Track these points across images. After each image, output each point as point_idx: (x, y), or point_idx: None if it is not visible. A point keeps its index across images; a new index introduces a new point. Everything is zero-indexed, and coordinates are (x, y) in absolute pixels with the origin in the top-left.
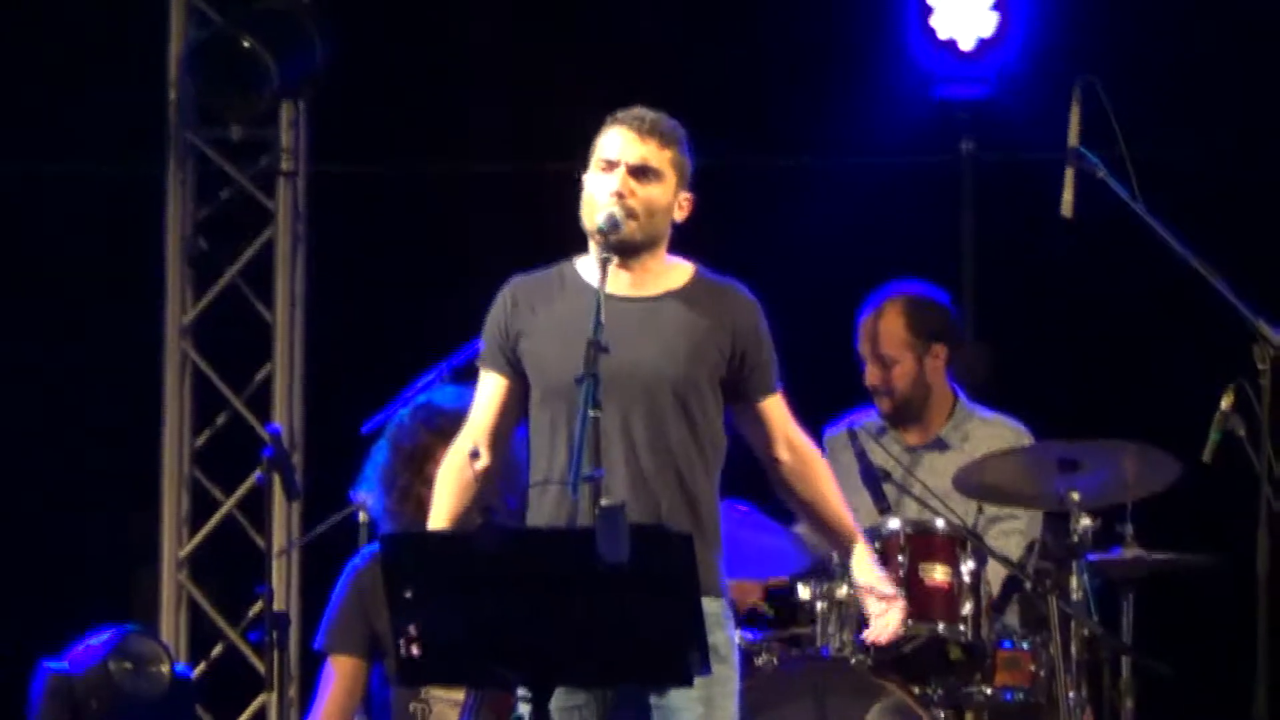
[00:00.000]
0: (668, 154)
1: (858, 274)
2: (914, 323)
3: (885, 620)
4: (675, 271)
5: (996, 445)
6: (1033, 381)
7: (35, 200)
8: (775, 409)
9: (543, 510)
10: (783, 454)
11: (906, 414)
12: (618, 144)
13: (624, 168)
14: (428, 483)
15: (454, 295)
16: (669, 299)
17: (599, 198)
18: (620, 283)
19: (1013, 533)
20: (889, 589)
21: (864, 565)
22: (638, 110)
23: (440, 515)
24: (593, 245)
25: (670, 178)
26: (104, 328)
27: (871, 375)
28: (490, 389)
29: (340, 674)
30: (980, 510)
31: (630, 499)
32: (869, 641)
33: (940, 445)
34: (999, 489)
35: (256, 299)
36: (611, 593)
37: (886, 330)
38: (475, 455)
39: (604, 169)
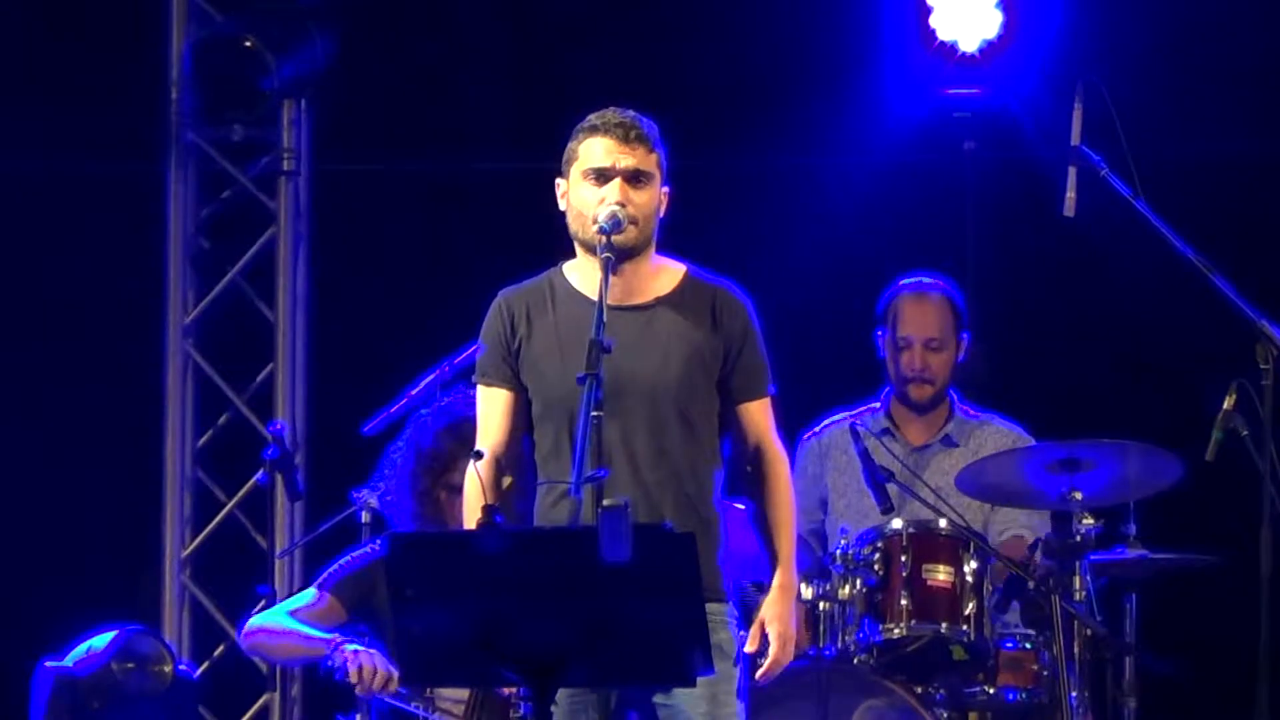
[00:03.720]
0: (654, 156)
1: (860, 273)
2: (955, 311)
3: (773, 660)
4: (665, 274)
5: (998, 441)
6: (1035, 381)
7: (36, 200)
8: (755, 415)
9: (547, 512)
10: (748, 466)
11: (930, 405)
12: (606, 153)
13: (619, 177)
14: (449, 488)
15: (455, 294)
16: (662, 305)
17: (594, 209)
18: (613, 291)
19: (1010, 521)
20: (788, 630)
21: (775, 599)
22: (615, 116)
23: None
24: (581, 252)
25: (656, 178)
26: (106, 328)
27: (916, 359)
28: (497, 403)
29: (326, 607)
30: (993, 508)
31: (633, 509)
32: (757, 677)
33: (948, 442)
34: (1001, 489)
35: (258, 298)
36: (614, 593)
37: (939, 314)
38: (479, 456)
39: (594, 180)
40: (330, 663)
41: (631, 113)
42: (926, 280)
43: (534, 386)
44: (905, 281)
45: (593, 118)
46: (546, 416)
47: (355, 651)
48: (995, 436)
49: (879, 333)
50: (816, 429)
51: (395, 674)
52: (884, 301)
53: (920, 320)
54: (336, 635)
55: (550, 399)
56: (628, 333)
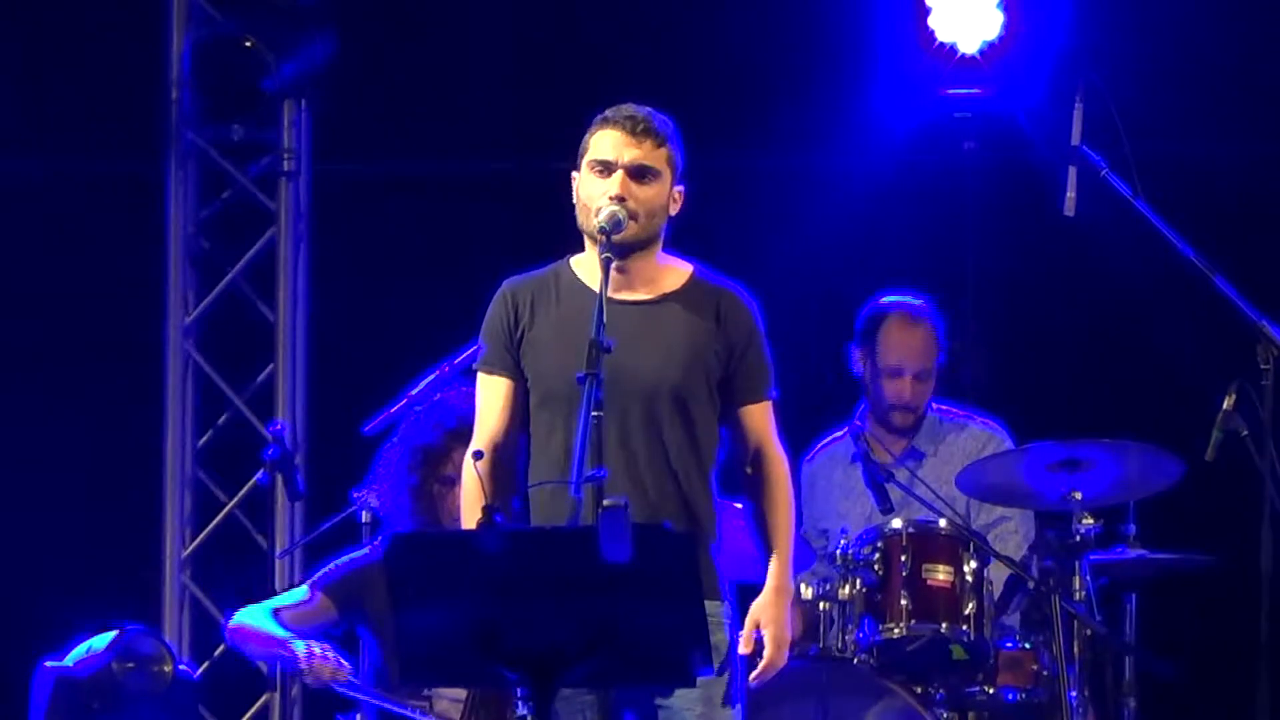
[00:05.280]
0: (662, 152)
1: (861, 274)
2: (938, 335)
3: (768, 662)
4: (672, 273)
5: (972, 447)
6: (1034, 381)
7: (36, 200)
8: (756, 418)
9: (544, 510)
10: (747, 468)
11: (911, 428)
12: (612, 146)
13: (622, 170)
14: (443, 481)
15: (455, 295)
16: (667, 302)
17: (596, 201)
18: (618, 286)
19: (1010, 535)
20: (783, 632)
21: (770, 601)
22: (628, 109)
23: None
24: (590, 245)
25: (666, 175)
26: (106, 328)
27: (905, 389)
28: (497, 392)
29: (316, 606)
30: (968, 514)
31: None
32: (751, 678)
33: (913, 455)
34: (1001, 489)
35: (258, 299)
36: (614, 593)
37: (927, 343)
38: (479, 456)
39: (599, 172)
40: (281, 652)
41: (647, 109)
42: (912, 302)
43: (533, 376)
44: (888, 300)
45: (608, 110)
46: (544, 407)
47: (306, 645)
48: (968, 442)
49: (854, 349)
50: (808, 456)
51: (345, 666)
52: (865, 320)
53: (911, 351)
54: (291, 634)
55: (548, 390)
56: (631, 327)
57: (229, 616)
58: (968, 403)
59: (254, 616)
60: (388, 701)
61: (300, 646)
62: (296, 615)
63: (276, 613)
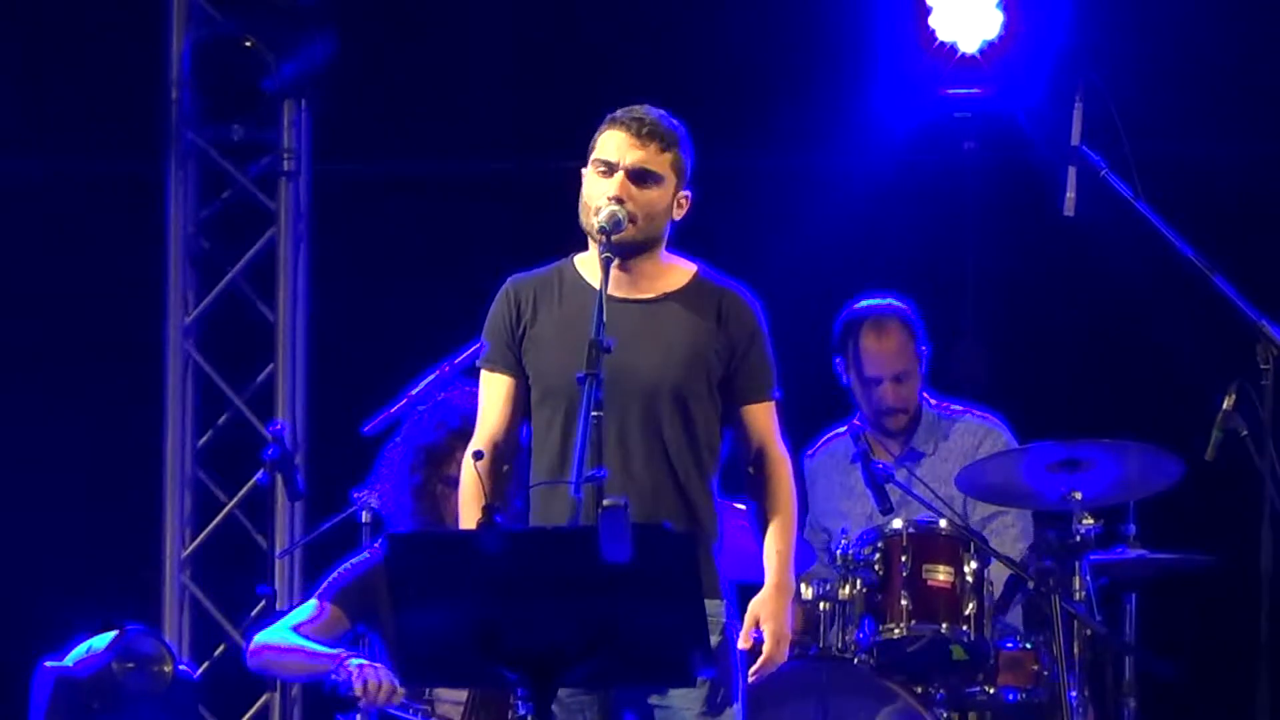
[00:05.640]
0: (667, 156)
1: (860, 274)
2: (913, 332)
3: (767, 658)
4: (675, 272)
5: (969, 442)
6: (1035, 381)
7: (36, 200)
8: (759, 418)
9: (545, 510)
10: (749, 468)
11: (907, 429)
12: (616, 147)
13: (623, 172)
14: (446, 481)
15: (455, 295)
16: (668, 301)
17: (597, 200)
18: (619, 284)
19: (1007, 529)
20: (782, 629)
21: (770, 598)
22: (637, 111)
23: (471, 525)
24: (593, 244)
25: (670, 179)
26: (105, 328)
27: (891, 396)
28: (498, 389)
29: (329, 618)
30: (965, 511)
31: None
32: (750, 674)
33: (912, 456)
34: (1001, 489)
35: (258, 299)
36: (614, 593)
37: (900, 345)
38: (479, 456)
39: (602, 172)
40: (335, 677)
41: (658, 111)
42: (879, 305)
43: (535, 374)
44: (858, 308)
45: (619, 110)
46: (543, 404)
47: (360, 666)
48: (966, 438)
49: (838, 360)
50: (810, 451)
51: (400, 687)
52: (840, 330)
53: (884, 357)
54: (341, 650)
55: (549, 388)
56: (631, 325)
57: (249, 634)
58: (965, 398)
59: (279, 636)
60: (397, 709)
61: (354, 666)
62: (314, 630)
63: (298, 630)
